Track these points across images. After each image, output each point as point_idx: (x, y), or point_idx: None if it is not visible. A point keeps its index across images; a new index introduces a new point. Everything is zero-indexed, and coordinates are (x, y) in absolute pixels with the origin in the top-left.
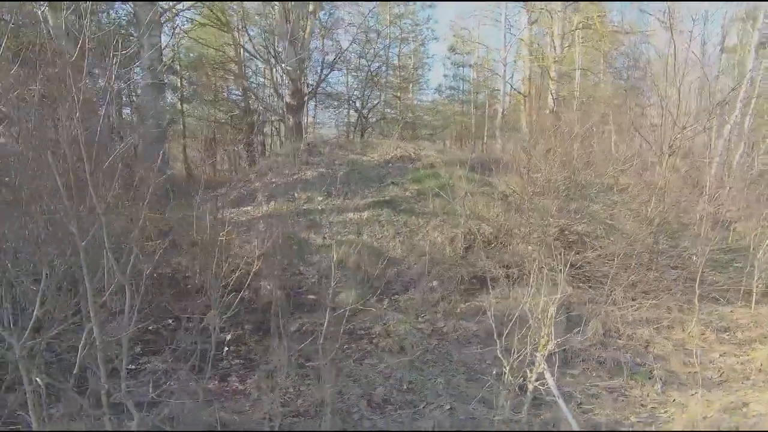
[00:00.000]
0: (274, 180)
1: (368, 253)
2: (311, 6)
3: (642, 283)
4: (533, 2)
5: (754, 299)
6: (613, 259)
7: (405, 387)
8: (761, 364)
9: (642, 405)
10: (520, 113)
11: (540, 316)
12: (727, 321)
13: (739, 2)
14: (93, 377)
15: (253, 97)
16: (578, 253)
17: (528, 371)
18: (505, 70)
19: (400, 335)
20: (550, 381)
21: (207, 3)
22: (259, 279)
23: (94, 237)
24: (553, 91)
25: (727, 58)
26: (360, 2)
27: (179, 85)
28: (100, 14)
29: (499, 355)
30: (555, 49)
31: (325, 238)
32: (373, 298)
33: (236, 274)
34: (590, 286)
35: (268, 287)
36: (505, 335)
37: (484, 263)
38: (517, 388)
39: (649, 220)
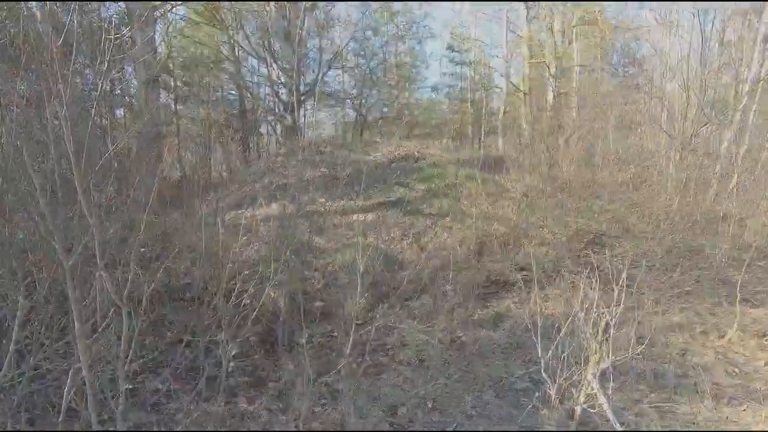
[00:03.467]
0: (274, 181)
1: (376, 257)
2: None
3: (668, 285)
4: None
5: None
6: (639, 260)
7: (430, 406)
8: None
9: (693, 423)
10: (520, 110)
11: (592, 331)
12: (765, 325)
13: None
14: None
15: (249, 96)
16: (596, 254)
17: (574, 391)
18: (506, 67)
19: (417, 346)
20: (606, 405)
21: (202, 2)
22: (263, 286)
23: (85, 247)
24: (553, 88)
25: (728, 53)
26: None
27: (173, 84)
28: (91, 14)
29: (544, 376)
30: (555, 45)
31: (330, 240)
32: (384, 305)
33: (238, 282)
34: (612, 289)
35: (272, 295)
36: (539, 347)
37: (498, 266)
38: (561, 410)
39: (673, 218)
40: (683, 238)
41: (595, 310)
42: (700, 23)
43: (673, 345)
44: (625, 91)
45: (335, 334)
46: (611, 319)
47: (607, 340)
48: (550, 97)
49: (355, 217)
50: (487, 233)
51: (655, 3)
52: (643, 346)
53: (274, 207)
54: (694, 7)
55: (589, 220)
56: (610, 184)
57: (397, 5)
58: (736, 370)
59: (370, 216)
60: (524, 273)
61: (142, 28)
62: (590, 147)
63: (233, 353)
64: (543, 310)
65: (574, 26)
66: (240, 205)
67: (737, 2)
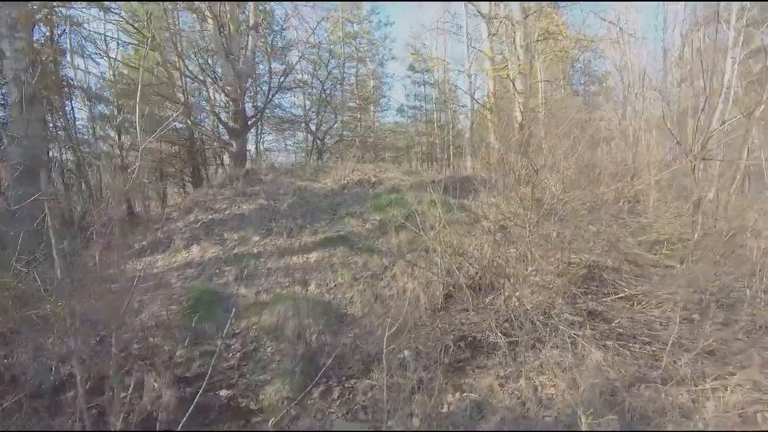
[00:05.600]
0: (201, 218)
1: (315, 312)
2: (251, 19)
3: (703, 342)
4: (492, 14)
5: None
6: (657, 304)
7: None
8: None
9: None
10: (487, 129)
11: None
12: None
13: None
14: None
15: (188, 122)
16: (596, 296)
17: None
18: (470, 84)
19: None
20: None
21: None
22: (147, 365)
23: None
24: (520, 104)
25: (693, 63)
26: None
27: (115, 113)
28: None
29: None
30: (519, 60)
31: (260, 291)
32: (317, 390)
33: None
34: (622, 345)
35: (155, 384)
36: None
37: (472, 318)
38: None
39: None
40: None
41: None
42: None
43: None
44: (591, 106)
45: None
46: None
47: None
48: (518, 113)
49: (295, 258)
50: (456, 275)
51: (615, 15)
52: None
53: (195, 250)
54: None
55: (584, 251)
56: (606, 203)
57: (354, 26)
58: None
59: (313, 256)
60: (506, 325)
61: (10, 35)
62: (578, 161)
63: None
64: (539, 390)
65: (537, 40)
66: (154, 249)
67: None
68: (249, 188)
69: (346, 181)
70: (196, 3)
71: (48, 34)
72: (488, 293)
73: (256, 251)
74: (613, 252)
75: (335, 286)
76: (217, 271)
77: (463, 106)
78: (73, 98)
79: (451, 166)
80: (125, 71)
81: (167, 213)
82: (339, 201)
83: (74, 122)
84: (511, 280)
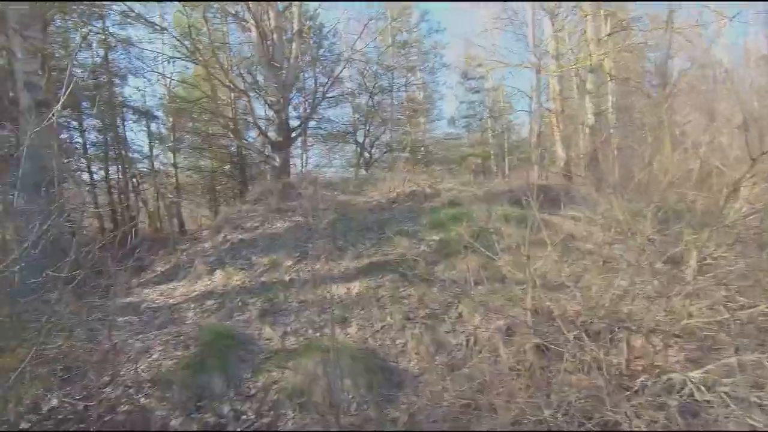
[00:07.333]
0: (229, 238)
1: (355, 367)
2: (296, 25)
3: None
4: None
5: None
6: None
7: None
8: None
9: None
10: (554, 135)
11: None
12: None
13: None
14: None
15: (230, 135)
16: None
17: None
18: (535, 85)
19: None
20: None
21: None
22: None
23: None
24: (592, 106)
25: None
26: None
27: (168, 133)
28: None
29: None
30: (590, 56)
31: (286, 333)
32: None
33: None
34: None
35: None
36: None
37: (586, 388)
38: None
39: None
40: None
41: None
42: None
43: None
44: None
45: None
46: None
47: None
48: (589, 116)
49: (334, 288)
50: (551, 318)
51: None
52: None
53: (218, 277)
54: None
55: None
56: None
57: (404, 35)
58: None
59: (355, 286)
60: (640, 402)
61: (20, 33)
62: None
63: None
64: None
65: (611, 33)
66: (173, 275)
67: None
68: (285, 204)
69: (396, 194)
70: (238, 8)
71: (103, 55)
72: (606, 348)
73: (287, 279)
74: None
75: (382, 328)
76: (240, 303)
77: (522, 110)
78: (126, 117)
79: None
80: (176, 88)
81: (196, 232)
82: (387, 217)
83: (126, 140)
84: (635, 331)
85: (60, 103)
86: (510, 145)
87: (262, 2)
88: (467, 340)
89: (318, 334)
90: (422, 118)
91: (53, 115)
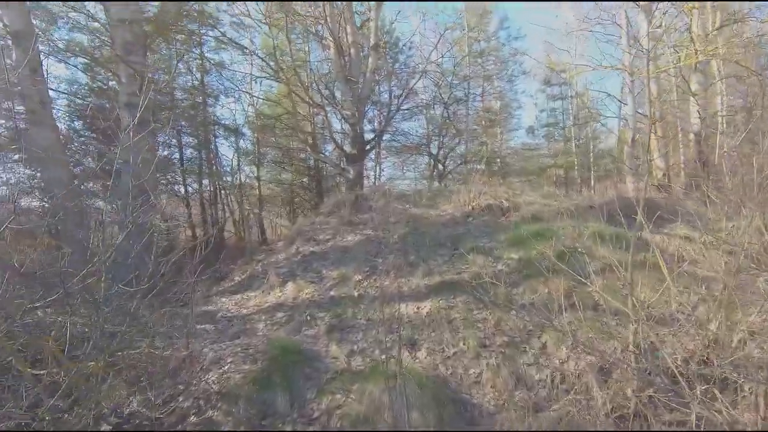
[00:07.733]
0: (301, 250)
1: (424, 397)
2: (372, 39)
3: None
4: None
5: None
6: None
7: None
8: None
9: None
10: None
11: None
12: None
13: None
14: None
15: (307, 149)
16: None
17: None
18: (630, 86)
19: None
20: None
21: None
22: None
23: None
24: (699, 110)
25: None
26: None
27: (253, 148)
28: None
29: None
30: (696, 52)
31: (353, 352)
32: None
33: None
34: None
35: None
36: None
37: None
38: None
39: None
40: None
41: None
42: None
43: None
44: None
45: None
46: None
47: None
48: (695, 119)
49: (402, 307)
50: (657, 355)
51: None
52: None
53: (289, 289)
54: None
55: None
56: None
57: (479, 45)
58: None
59: (426, 306)
60: None
61: (124, 58)
62: None
63: None
64: None
65: (718, 27)
66: (250, 285)
67: None
68: (356, 216)
69: (471, 207)
70: (319, 27)
71: (200, 78)
72: (720, 391)
73: (356, 294)
74: None
75: (454, 354)
76: (308, 318)
77: (611, 116)
78: (217, 134)
79: (593, 190)
80: (262, 106)
81: (273, 243)
82: (462, 232)
83: (217, 155)
84: None
85: (155, 122)
86: (596, 154)
87: (340, 20)
88: (552, 376)
89: (384, 356)
90: (499, 128)
91: (147, 131)
